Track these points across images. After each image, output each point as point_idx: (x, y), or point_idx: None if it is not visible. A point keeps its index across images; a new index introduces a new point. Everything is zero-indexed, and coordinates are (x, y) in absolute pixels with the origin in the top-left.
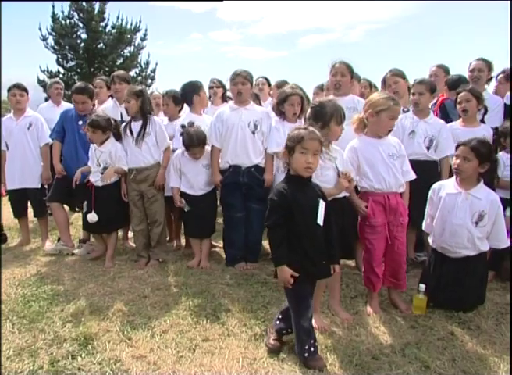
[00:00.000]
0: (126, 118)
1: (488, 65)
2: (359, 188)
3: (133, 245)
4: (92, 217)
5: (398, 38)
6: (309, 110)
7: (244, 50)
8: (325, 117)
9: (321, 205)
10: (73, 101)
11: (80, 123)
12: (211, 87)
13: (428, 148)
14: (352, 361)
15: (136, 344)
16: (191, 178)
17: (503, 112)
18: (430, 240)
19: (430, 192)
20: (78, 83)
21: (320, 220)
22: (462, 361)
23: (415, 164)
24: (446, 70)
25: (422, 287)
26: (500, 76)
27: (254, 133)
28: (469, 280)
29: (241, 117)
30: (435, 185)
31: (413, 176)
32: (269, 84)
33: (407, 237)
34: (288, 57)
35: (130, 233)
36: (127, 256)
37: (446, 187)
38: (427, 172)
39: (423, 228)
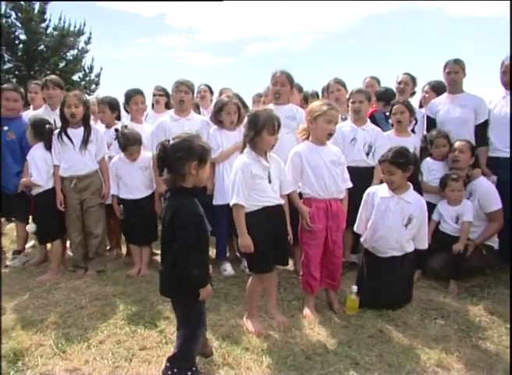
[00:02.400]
0: (59, 124)
1: (413, 80)
2: (302, 194)
3: (70, 255)
4: (30, 227)
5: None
6: (245, 118)
7: (192, 56)
8: (258, 126)
9: None
10: (4, 99)
11: (6, 128)
12: (154, 95)
13: (367, 154)
14: (286, 362)
15: (70, 357)
16: (128, 181)
17: (425, 123)
18: (362, 240)
19: (364, 196)
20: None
21: None
22: (388, 355)
23: (355, 171)
24: (379, 82)
25: (354, 288)
26: (426, 87)
27: None
28: (396, 279)
29: (183, 128)
30: (370, 189)
31: (350, 184)
32: (211, 92)
33: (344, 241)
34: (234, 64)
35: (68, 243)
36: (64, 267)
37: (379, 192)
38: (366, 178)
39: (355, 229)
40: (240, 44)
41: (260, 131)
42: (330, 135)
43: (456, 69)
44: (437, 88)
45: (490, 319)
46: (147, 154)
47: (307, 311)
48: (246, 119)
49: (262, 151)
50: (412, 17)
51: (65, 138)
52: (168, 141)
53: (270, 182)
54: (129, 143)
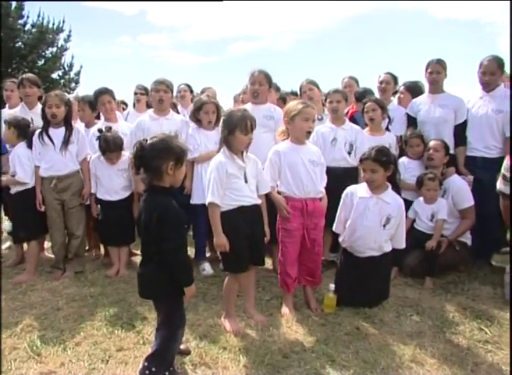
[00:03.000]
0: (38, 123)
1: (395, 79)
2: (280, 193)
3: (50, 256)
4: (4, 226)
5: (325, 49)
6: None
7: (174, 55)
8: (231, 126)
9: None
10: None
11: None
12: (135, 94)
13: (349, 153)
14: (263, 361)
15: (45, 360)
16: (106, 182)
17: (406, 121)
18: (340, 240)
19: (343, 195)
20: None
21: None
22: (364, 352)
23: (337, 171)
24: (357, 82)
25: (332, 286)
26: (402, 88)
27: None
28: (374, 279)
29: (162, 127)
30: (348, 189)
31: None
32: (191, 91)
33: (324, 239)
34: (217, 63)
35: (46, 244)
36: (42, 268)
37: (358, 191)
38: (348, 178)
39: (333, 229)
40: (223, 43)
41: (233, 131)
42: (309, 133)
43: (438, 69)
44: (412, 89)
45: (463, 314)
46: (127, 155)
47: (285, 309)
48: (221, 120)
49: (237, 151)
50: (394, 18)
51: (45, 138)
52: (146, 140)
53: (246, 182)
54: (108, 148)
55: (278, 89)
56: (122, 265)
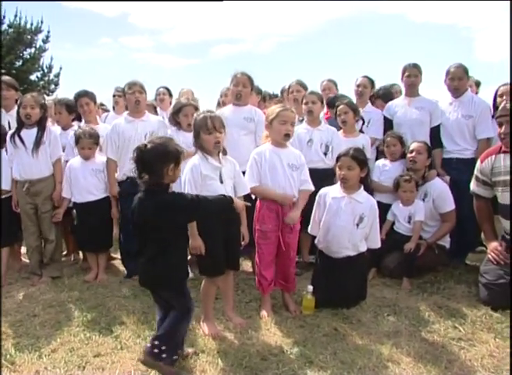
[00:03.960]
0: (15, 126)
1: (372, 82)
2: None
3: (26, 261)
4: None
5: (307, 51)
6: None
7: (156, 57)
8: (196, 128)
9: None
10: None
11: None
12: (113, 96)
13: (325, 154)
14: (242, 363)
15: (19, 369)
16: (80, 182)
17: (383, 123)
18: (316, 241)
19: (317, 197)
20: None
21: None
22: (342, 353)
23: (313, 172)
24: (336, 85)
25: (310, 288)
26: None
27: None
28: (351, 279)
29: (137, 130)
30: (322, 191)
31: (310, 187)
32: (170, 95)
33: (302, 241)
34: (199, 66)
35: (22, 249)
36: (18, 274)
37: (331, 192)
38: (324, 180)
39: (308, 231)
40: (205, 45)
41: (198, 133)
42: (287, 136)
43: (415, 72)
44: (384, 96)
45: (438, 313)
46: (102, 157)
47: (263, 312)
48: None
49: (209, 152)
50: (374, 22)
51: (17, 141)
52: (146, 145)
53: (222, 182)
54: (81, 135)
55: (260, 92)
56: (101, 270)
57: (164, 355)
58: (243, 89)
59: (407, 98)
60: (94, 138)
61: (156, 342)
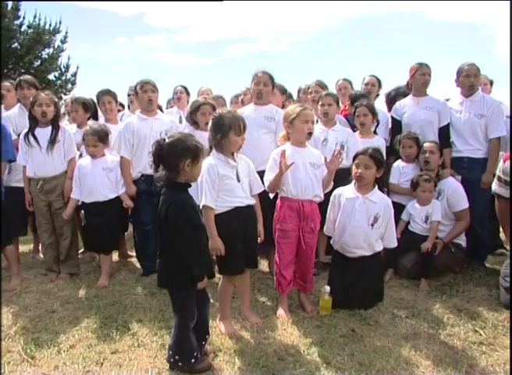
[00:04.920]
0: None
1: (379, 82)
2: (278, 193)
3: (43, 257)
4: None
5: (321, 50)
6: (210, 121)
7: (171, 56)
8: (224, 128)
9: None
10: None
11: None
12: (128, 95)
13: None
14: (259, 363)
15: (39, 363)
16: (89, 181)
17: (390, 125)
18: (331, 241)
19: (331, 197)
20: None
21: None
22: (360, 354)
23: None
24: (351, 84)
25: (327, 288)
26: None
27: None
28: (367, 279)
29: (152, 127)
30: (336, 191)
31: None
32: (188, 93)
33: (319, 241)
34: (215, 65)
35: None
36: (36, 270)
37: (345, 193)
38: (341, 179)
39: (324, 231)
40: (221, 44)
41: (227, 133)
42: (310, 134)
43: (429, 71)
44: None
45: (458, 316)
46: (113, 156)
47: (280, 311)
48: (210, 122)
49: (229, 153)
50: (390, 20)
51: (31, 139)
52: (164, 139)
53: (239, 181)
54: (86, 133)
55: (284, 91)
56: (104, 273)
57: (180, 364)
58: (263, 88)
59: (415, 98)
60: (99, 135)
61: (170, 352)
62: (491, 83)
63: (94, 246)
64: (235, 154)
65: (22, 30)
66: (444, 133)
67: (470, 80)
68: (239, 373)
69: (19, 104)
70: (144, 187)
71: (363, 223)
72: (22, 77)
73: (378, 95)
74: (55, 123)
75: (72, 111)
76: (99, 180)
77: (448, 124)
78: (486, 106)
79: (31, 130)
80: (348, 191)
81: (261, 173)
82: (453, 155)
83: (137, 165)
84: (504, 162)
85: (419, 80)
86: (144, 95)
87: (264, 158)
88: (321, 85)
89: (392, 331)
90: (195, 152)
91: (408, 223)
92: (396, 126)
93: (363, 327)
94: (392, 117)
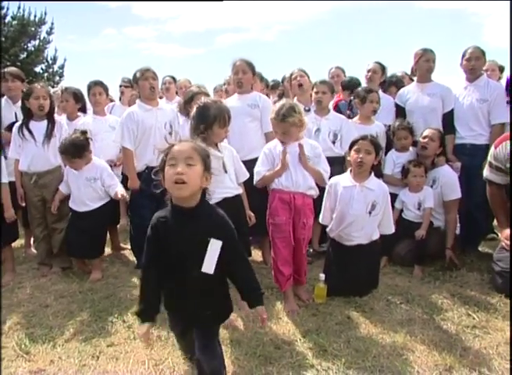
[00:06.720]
0: (21, 117)
1: (383, 69)
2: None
3: (35, 252)
4: None
5: (311, 39)
6: (194, 109)
7: (160, 47)
8: (209, 119)
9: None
10: None
11: None
12: (120, 86)
13: (333, 143)
14: (256, 352)
15: (34, 358)
16: (74, 192)
17: (394, 111)
18: (328, 230)
19: (327, 186)
20: None
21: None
22: (356, 341)
23: None
24: (344, 71)
25: (322, 276)
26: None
27: (170, 134)
28: (363, 267)
29: (157, 118)
30: (332, 180)
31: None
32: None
33: (313, 230)
34: (204, 55)
35: (32, 240)
36: (29, 265)
37: (341, 181)
38: (334, 167)
39: (320, 221)
40: (210, 34)
41: (210, 125)
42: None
43: (433, 57)
44: (398, 83)
45: (452, 301)
46: (100, 160)
47: (289, 310)
48: (194, 110)
49: (213, 143)
50: (379, 9)
51: (26, 133)
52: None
53: (226, 171)
54: (59, 150)
55: (262, 79)
56: (95, 268)
57: None
58: (243, 76)
59: (420, 84)
60: (73, 153)
61: None
62: (501, 69)
63: (76, 251)
64: (218, 144)
65: (6, 21)
66: (448, 119)
67: (471, 64)
68: (236, 362)
69: (4, 97)
70: (148, 181)
71: (361, 211)
72: (6, 69)
73: (384, 82)
74: (50, 117)
75: (63, 101)
76: (83, 191)
77: (452, 110)
78: (490, 91)
79: (25, 123)
80: (344, 180)
81: (249, 163)
82: (456, 142)
83: (142, 157)
84: (496, 147)
85: (423, 66)
86: (145, 83)
87: (251, 147)
88: (304, 71)
89: (388, 317)
90: (205, 161)
91: (402, 210)
92: (401, 113)
93: (358, 314)
94: (396, 104)
